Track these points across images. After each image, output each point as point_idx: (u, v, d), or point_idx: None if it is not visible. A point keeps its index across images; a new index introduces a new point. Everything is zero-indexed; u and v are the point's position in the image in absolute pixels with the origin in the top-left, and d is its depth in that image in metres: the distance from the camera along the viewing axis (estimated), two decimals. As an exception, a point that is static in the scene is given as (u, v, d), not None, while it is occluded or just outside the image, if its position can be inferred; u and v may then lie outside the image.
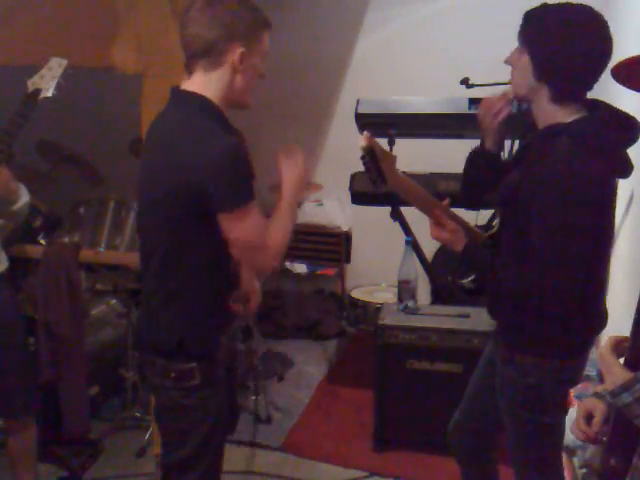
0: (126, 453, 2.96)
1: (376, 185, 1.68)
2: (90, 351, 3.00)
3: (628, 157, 1.60)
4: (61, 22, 2.25)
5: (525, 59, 1.59)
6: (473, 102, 2.99)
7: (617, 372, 1.16)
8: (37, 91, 2.12)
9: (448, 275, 3.46)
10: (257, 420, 3.26)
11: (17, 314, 2.33)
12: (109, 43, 2.19)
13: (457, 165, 3.04)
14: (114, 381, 3.29)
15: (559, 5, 1.58)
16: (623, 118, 1.59)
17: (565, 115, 1.59)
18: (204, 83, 1.60)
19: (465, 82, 2.85)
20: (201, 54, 1.58)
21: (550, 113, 1.60)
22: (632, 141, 1.58)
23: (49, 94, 2.13)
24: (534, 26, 1.58)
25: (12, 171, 2.10)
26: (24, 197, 2.18)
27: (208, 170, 1.50)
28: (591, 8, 1.56)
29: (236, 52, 1.57)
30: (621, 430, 1.18)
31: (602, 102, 1.63)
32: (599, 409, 1.35)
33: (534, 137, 1.69)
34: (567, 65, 1.55)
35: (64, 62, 2.16)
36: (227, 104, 1.64)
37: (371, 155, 1.62)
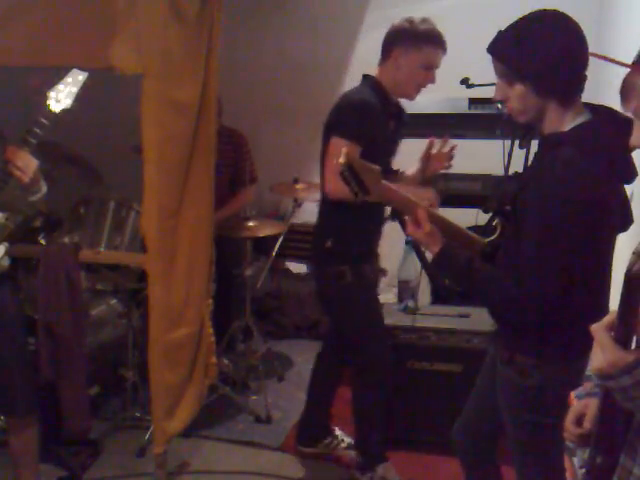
0: (126, 453, 2.96)
1: (358, 197, 1.70)
2: (90, 351, 3.00)
3: (632, 162, 1.59)
4: (60, 22, 2.24)
5: (518, 88, 1.59)
6: (473, 102, 3.00)
7: (612, 351, 1.08)
8: (56, 103, 2.20)
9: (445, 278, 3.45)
10: (257, 420, 3.27)
11: (20, 312, 2.35)
12: (109, 43, 2.18)
13: (457, 165, 3.05)
14: (114, 381, 3.29)
15: (523, 20, 1.60)
16: (624, 121, 1.58)
17: (571, 117, 1.59)
18: (379, 72, 2.48)
19: (465, 82, 2.85)
20: (382, 56, 2.46)
21: (559, 118, 1.60)
22: None
23: (68, 106, 2.22)
24: (516, 51, 1.58)
25: None
26: (44, 188, 2.23)
27: (339, 112, 2.41)
28: (546, 9, 1.59)
29: (396, 53, 2.41)
30: (607, 428, 1.16)
31: (603, 106, 1.63)
32: (592, 406, 1.30)
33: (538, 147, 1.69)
34: (560, 68, 1.55)
35: (85, 74, 2.24)
36: (394, 90, 2.48)
37: (350, 171, 1.64)
